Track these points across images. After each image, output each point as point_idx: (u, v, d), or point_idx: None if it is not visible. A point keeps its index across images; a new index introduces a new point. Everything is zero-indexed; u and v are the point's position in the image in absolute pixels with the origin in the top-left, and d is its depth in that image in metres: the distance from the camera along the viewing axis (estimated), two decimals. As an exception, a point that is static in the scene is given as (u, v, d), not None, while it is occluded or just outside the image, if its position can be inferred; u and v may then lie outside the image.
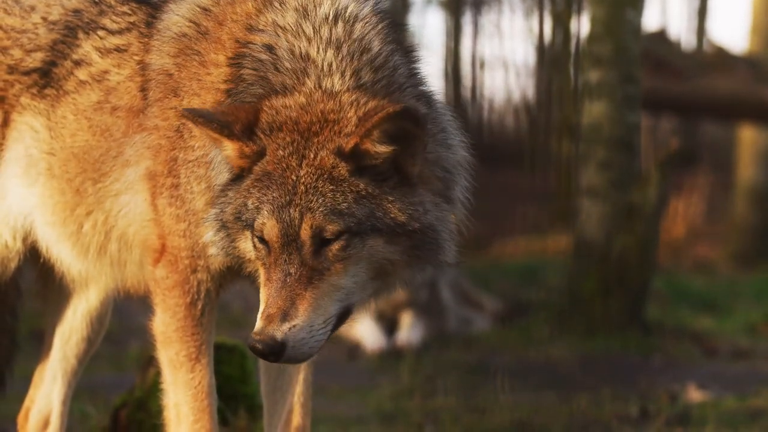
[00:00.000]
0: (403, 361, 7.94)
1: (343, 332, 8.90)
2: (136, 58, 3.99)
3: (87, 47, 4.10)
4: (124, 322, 8.08)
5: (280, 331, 3.43)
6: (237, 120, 3.54)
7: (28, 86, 4.17)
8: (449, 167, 3.66)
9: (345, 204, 3.45)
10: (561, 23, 16.38)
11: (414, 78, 3.71)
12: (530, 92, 17.72)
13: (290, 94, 3.57)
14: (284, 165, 3.50)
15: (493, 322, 9.39)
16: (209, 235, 3.67)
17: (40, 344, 4.68)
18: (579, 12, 14.67)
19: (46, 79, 4.15)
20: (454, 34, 17.51)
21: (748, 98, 12.10)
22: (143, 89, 3.94)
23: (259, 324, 3.45)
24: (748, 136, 13.63)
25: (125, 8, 4.10)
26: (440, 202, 3.58)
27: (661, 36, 12.56)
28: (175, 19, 3.90)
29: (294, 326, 3.44)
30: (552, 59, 16.78)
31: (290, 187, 3.48)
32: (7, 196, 4.20)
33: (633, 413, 6.33)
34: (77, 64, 4.09)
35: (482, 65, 17.43)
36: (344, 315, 3.54)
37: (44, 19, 4.20)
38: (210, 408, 3.90)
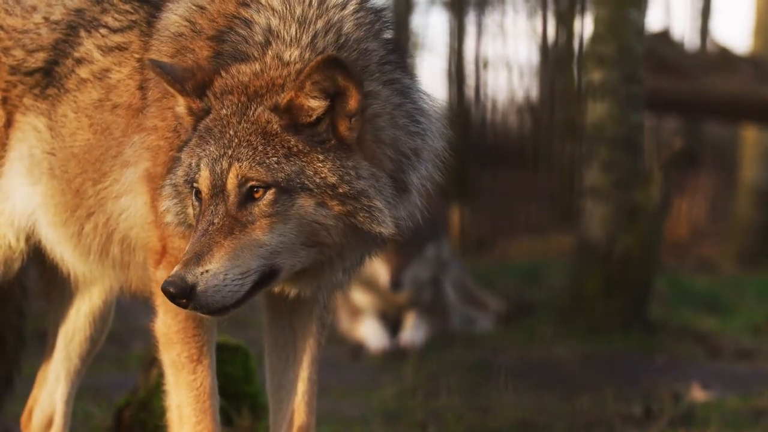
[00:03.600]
0: (407, 360, 7.93)
1: (347, 332, 8.92)
2: (136, 56, 4.00)
3: (89, 45, 4.10)
4: (127, 322, 8.08)
5: (191, 274, 3.44)
6: (192, 77, 3.62)
7: (30, 87, 4.17)
8: (406, 152, 3.66)
9: (275, 158, 3.49)
10: (564, 23, 16.38)
11: (388, 66, 3.71)
12: (533, 92, 17.72)
13: (250, 62, 3.62)
14: (225, 122, 3.55)
15: (497, 322, 9.39)
16: (165, 203, 3.72)
17: (43, 344, 4.68)
18: (582, 12, 14.67)
19: (49, 79, 4.15)
20: (458, 34, 17.49)
21: (752, 98, 12.09)
22: (142, 88, 3.95)
23: (174, 269, 3.47)
24: (751, 135, 13.61)
25: (127, 6, 4.11)
26: (383, 177, 3.56)
27: (664, 36, 12.55)
28: (173, 19, 3.91)
29: (206, 271, 3.45)
30: (555, 59, 16.78)
31: (226, 141, 3.52)
32: (12, 195, 4.20)
33: (636, 413, 6.33)
34: (79, 62, 4.10)
35: (485, 65, 17.42)
36: (270, 275, 3.53)
37: (46, 18, 4.20)
38: (212, 409, 3.90)
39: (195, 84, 3.62)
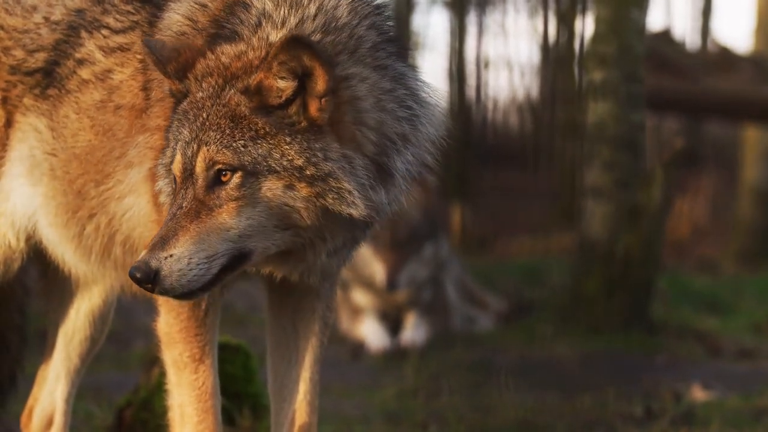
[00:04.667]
0: (407, 360, 7.93)
1: (348, 332, 8.92)
2: (138, 56, 3.99)
3: (90, 46, 4.10)
4: (128, 321, 8.08)
5: (155, 259, 3.44)
6: (175, 59, 3.62)
7: (31, 87, 4.16)
8: (392, 136, 3.64)
9: (242, 141, 3.48)
10: (565, 23, 16.39)
11: (381, 53, 3.70)
12: (534, 92, 17.73)
13: (236, 43, 3.63)
14: (199, 105, 3.55)
15: (497, 321, 9.39)
16: (159, 183, 3.73)
17: (44, 343, 4.68)
18: (583, 11, 14.68)
19: (49, 79, 4.14)
20: (459, 34, 17.49)
21: (753, 98, 12.09)
22: (145, 88, 3.95)
23: (141, 254, 3.48)
24: (752, 135, 13.62)
25: (129, 7, 4.10)
26: (357, 159, 3.55)
27: (665, 35, 12.55)
28: (175, 18, 3.91)
29: (171, 255, 3.45)
30: (556, 59, 16.78)
31: (198, 125, 3.53)
32: (12, 195, 4.20)
33: (637, 412, 6.32)
34: (80, 63, 4.09)
35: (486, 65, 17.42)
36: (240, 258, 3.52)
37: (46, 19, 4.19)
38: (214, 409, 3.90)
39: (177, 66, 3.62)
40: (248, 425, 5.27)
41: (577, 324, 8.55)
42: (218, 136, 3.50)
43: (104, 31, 4.10)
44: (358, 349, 8.69)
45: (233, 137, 3.49)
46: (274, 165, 3.48)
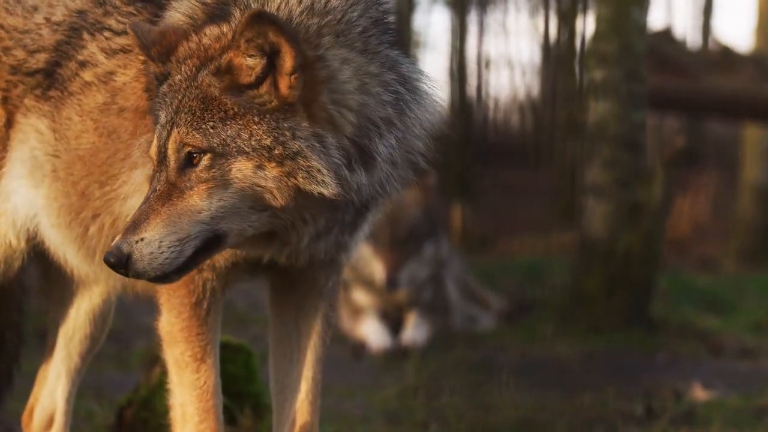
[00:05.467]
0: (408, 360, 7.94)
1: (349, 331, 8.92)
2: (141, 58, 3.99)
3: (92, 48, 4.09)
4: (129, 320, 8.09)
5: (126, 243, 3.45)
6: (159, 42, 3.63)
7: (31, 87, 4.16)
8: (375, 119, 3.61)
9: (211, 123, 3.48)
10: (566, 22, 16.39)
11: (373, 39, 3.68)
12: (535, 91, 17.75)
13: (221, 23, 3.63)
14: (176, 88, 3.55)
15: (498, 320, 9.39)
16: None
17: (44, 343, 4.68)
18: (584, 10, 14.68)
19: (50, 80, 4.14)
20: (460, 33, 17.50)
21: (753, 96, 12.09)
22: (148, 90, 3.94)
23: (115, 239, 3.50)
24: (753, 134, 13.62)
25: (130, 8, 4.10)
26: (329, 138, 3.52)
27: (666, 34, 12.54)
28: (176, 17, 3.90)
29: (141, 239, 3.45)
30: (557, 58, 16.79)
31: (173, 108, 3.53)
32: (13, 196, 4.20)
33: (638, 411, 6.33)
34: (82, 65, 4.09)
35: (487, 64, 17.44)
36: (215, 240, 3.51)
37: (47, 19, 4.18)
38: (215, 408, 3.90)
39: (161, 49, 3.62)
40: (249, 425, 5.27)
41: (577, 323, 8.56)
42: (189, 118, 3.49)
43: (106, 33, 4.10)
44: (358, 348, 8.69)
45: (203, 119, 3.49)
46: (243, 145, 3.47)
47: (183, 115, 3.50)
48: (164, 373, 3.99)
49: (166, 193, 3.49)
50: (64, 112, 4.09)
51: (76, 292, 4.61)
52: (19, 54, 4.18)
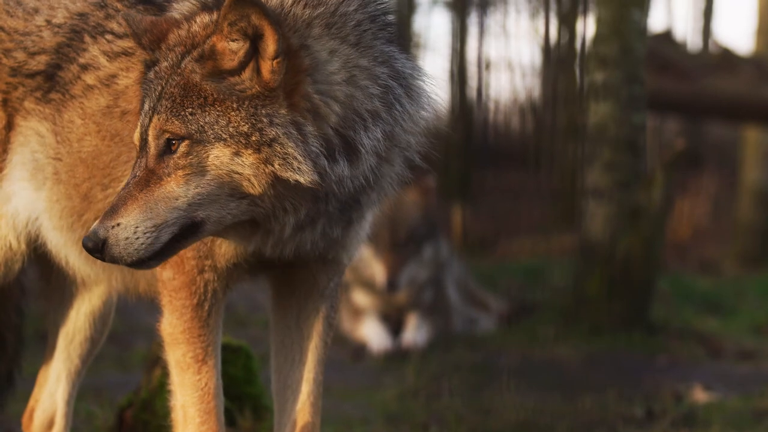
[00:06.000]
0: (409, 361, 7.93)
1: (349, 333, 8.92)
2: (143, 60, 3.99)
3: (94, 51, 4.10)
4: (129, 322, 8.09)
5: (103, 228, 3.48)
6: (151, 30, 3.65)
7: (32, 90, 4.16)
8: (361, 112, 3.62)
9: (189, 109, 3.49)
10: (566, 24, 16.38)
11: (367, 33, 3.69)
12: (536, 93, 17.72)
13: (212, 11, 3.64)
14: (161, 75, 3.58)
15: (499, 322, 9.39)
16: None
17: (44, 344, 4.69)
18: (584, 13, 14.68)
19: (51, 83, 4.14)
20: (460, 35, 17.48)
21: (754, 99, 12.09)
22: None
23: (93, 224, 3.52)
24: (753, 136, 13.62)
25: (131, 11, 4.10)
26: (309, 126, 3.52)
27: (666, 37, 12.54)
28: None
29: (118, 224, 3.48)
30: (557, 60, 16.78)
31: (156, 95, 3.55)
32: (14, 198, 4.20)
33: (638, 413, 6.33)
34: (84, 68, 4.09)
35: (488, 66, 17.41)
36: (192, 228, 3.53)
37: (48, 21, 4.18)
38: (216, 410, 3.90)
39: (152, 37, 3.65)
40: (249, 426, 5.27)
41: (578, 325, 8.55)
42: (169, 105, 3.51)
43: (108, 36, 4.10)
44: (359, 350, 8.69)
45: (183, 105, 3.50)
46: (220, 132, 3.48)
47: (164, 101, 3.52)
48: (165, 374, 4.00)
49: (144, 179, 3.51)
50: (66, 115, 4.09)
51: (76, 294, 4.61)
52: (20, 56, 4.18)
